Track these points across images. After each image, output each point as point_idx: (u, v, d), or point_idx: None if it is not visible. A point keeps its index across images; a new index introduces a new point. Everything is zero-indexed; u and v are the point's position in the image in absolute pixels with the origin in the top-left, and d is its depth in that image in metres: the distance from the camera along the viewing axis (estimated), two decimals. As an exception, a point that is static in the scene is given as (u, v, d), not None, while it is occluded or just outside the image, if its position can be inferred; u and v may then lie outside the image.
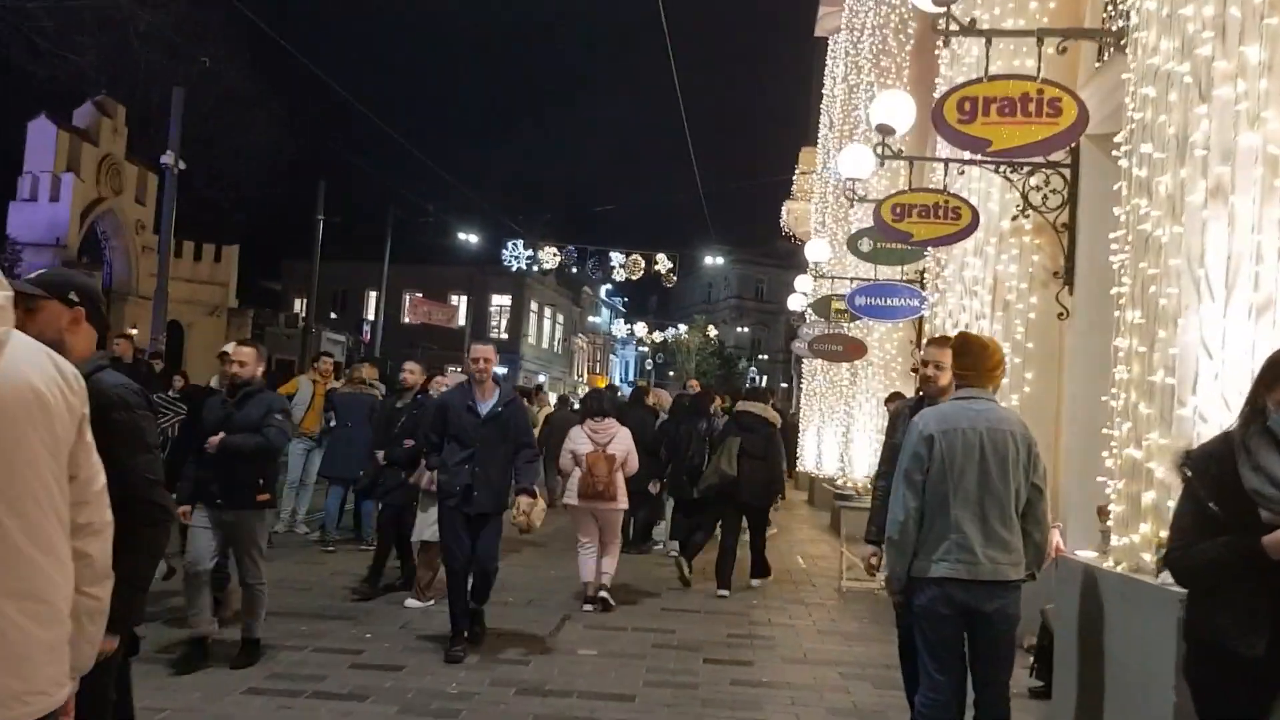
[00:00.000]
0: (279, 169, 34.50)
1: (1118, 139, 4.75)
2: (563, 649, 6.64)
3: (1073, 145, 6.63)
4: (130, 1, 25.71)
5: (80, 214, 25.33)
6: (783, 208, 28.14)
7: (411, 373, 8.72)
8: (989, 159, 6.54)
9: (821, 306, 13.45)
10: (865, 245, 9.01)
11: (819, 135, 23.56)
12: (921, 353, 4.95)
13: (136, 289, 26.85)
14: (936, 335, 5.81)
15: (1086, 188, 7.01)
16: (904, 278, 10.44)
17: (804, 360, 23.76)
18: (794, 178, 27.40)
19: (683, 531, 9.82)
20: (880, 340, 13.36)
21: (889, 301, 9.85)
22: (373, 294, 37.32)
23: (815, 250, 14.25)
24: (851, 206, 10.58)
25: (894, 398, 9.49)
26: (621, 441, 8.12)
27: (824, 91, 22.71)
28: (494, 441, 6.31)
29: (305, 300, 40.91)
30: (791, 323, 32.07)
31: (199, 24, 28.96)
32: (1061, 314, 7.14)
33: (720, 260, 42.21)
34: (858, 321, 13.34)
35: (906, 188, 7.75)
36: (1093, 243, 6.61)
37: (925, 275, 9.71)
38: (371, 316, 37.18)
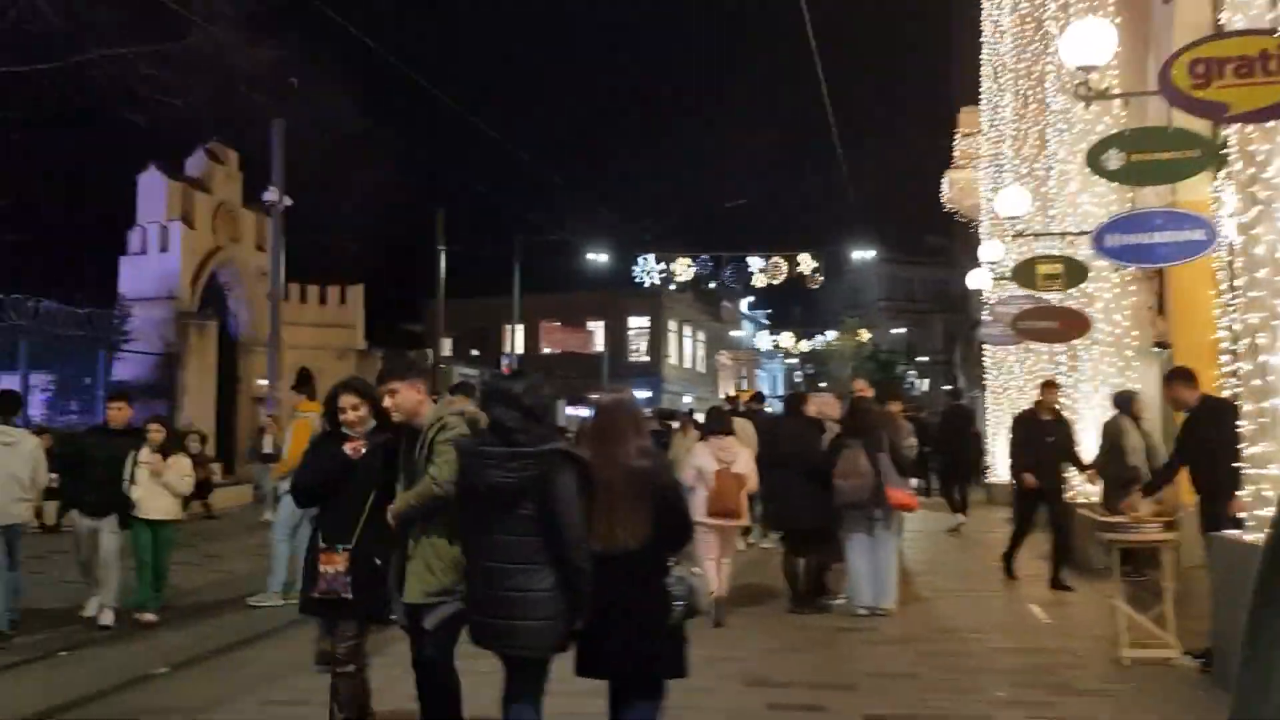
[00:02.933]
0: (400, 206, 33.42)
1: None
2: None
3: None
4: (235, 41, 24.76)
5: (197, 265, 24.39)
6: (943, 180, 25.09)
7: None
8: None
9: (1024, 274, 10.65)
10: (1114, 160, 6.34)
11: (980, 92, 20.69)
12: None
13: (263, 338, 25.84)
14: None
15: None
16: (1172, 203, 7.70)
17: (986, 351, 20.74)
18: (955, 144, 24.33)
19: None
20: (1106, 310, 10.49)
21: (1158, 237, 7.10)
22: (511, 328, 36.10)
23: (1010, 201, 11.37)
24: (1086, 107, 7.83)
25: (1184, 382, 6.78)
26: (745, 461, 8.27)
27: (983, 41, 19.86)
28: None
29: (449, 339, 40.09)
30: (972, 313, 28.87)
31: (305, 60, 27.95)
32: None
33: (869, 255, 39.17)
34: (1072, 290, 10.53)
35: (1209, 34, 5.16)
36: None
37: (1219, 188, 6.97)
38: (511, 350, 36.01)
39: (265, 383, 22.67)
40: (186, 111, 24.84)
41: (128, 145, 24.28)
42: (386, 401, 4.91)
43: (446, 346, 36.49)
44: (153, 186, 23.93)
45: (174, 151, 25.56)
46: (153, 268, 23.10)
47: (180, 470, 8.84)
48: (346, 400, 4.97)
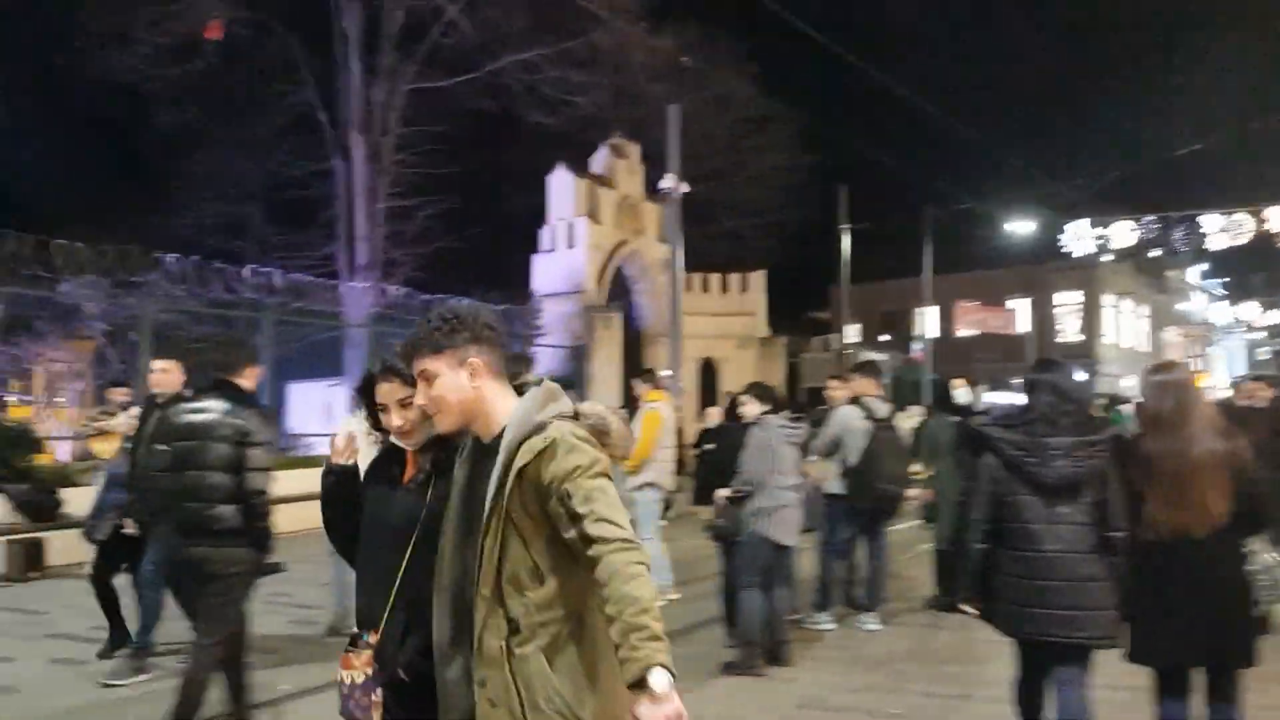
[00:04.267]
0: (802, 187, 32.34)
1: None
2: None
3: None
4: (634, 33, 24.93)
5: (603, 259, 24.88)
6: None
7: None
8: None
9: None
10: None
11: None
12: None
13: (666, 329, 25.91)
14: None
15: None
16: None
17: None
18: None
19: None
20: None
21: None
22: (924, 311, 33.95)
23: None
24: None
25: None
26: None
27: None
28: None
29: (855, 325, 38.63)
30: None
31: (702, 43, 27.68)
32: None
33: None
34: None
35: None
36: None
37: None
38: (924, 334, 33.88)
39: (668, 373, 22.52)
40: (591, 109, 25.48)
41: (543, 146, 25.25)
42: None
43: (853, 333, 35.04)
44: (561, 185, 24.71)
45: (582, 150, 26.34)
46: (561, 263, 23.80)
47: None
48: (388, 393, 2.73)
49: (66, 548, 10.25)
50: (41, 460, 11.90)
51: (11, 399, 19.43)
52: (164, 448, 4.92)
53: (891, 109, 57.40)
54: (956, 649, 7.32)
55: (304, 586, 9.10)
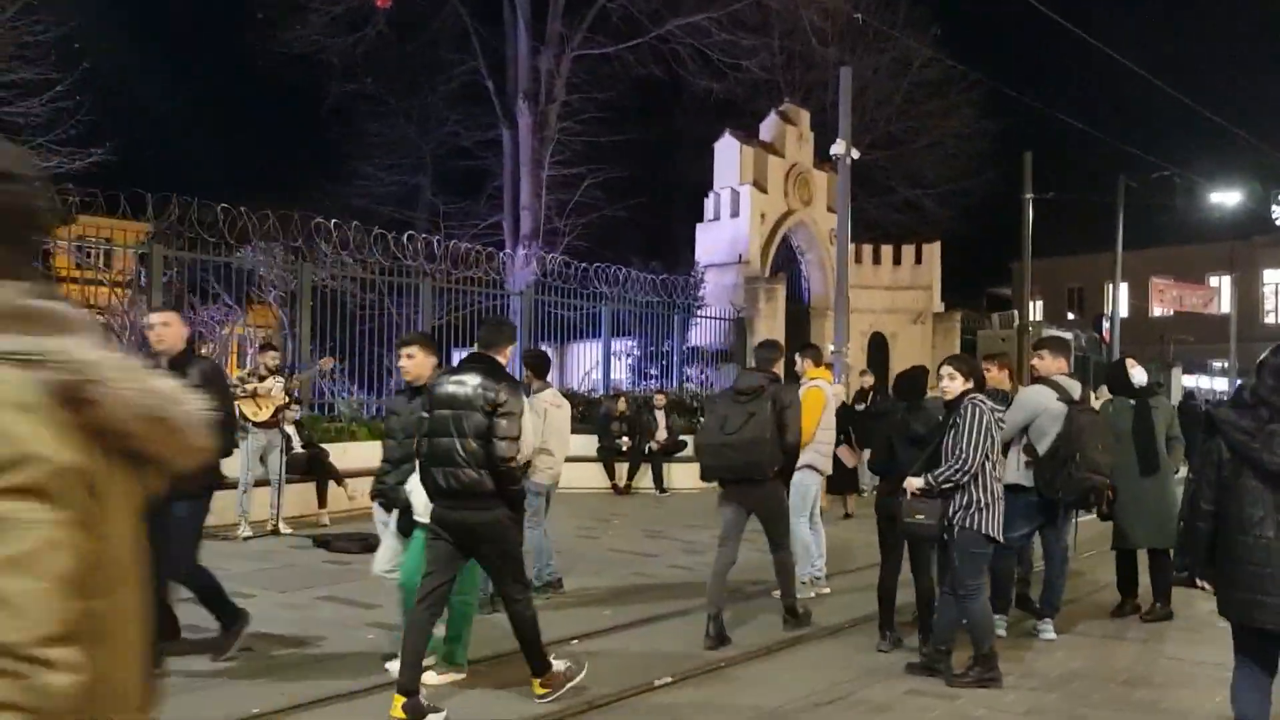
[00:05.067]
0: (983, 154, 30.65)
1: None
2: None
3: None
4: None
5: (770, 229, 24.10)
6: None
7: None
8: None
9: None
10: None
11: None
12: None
13: (835, 302, 24.95)
14: None
15: None
16: None
17: None
18: None
19: None
20: None
21: None
22: (1112, 287, 31.67)
23: None
24: None
25: None
26: None
27: None
28: None
29: (1038, 302, 36.61)
30: None
31: (881, 6, 26.45)
32: None
33: None
34: None
35: None
36: None
37: None
38: (1114, 311, 31.63)
39: (834, 348, 21.68)
40: (760, 75, 24.70)
41: (709, 113, 24.69)
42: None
43: (1036, 309, 33.12)
44: (727, 153, 24.02)
45: (750, 117, 25.60)
46: (724, 233, 23.17)
47: None
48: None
49: (216, 509, 10.40)
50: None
51: None
52: (425, 415, 5.32)
53: (1083, 68, 53.67)
54: (1143, 670, 6.45)
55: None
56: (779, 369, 7.96)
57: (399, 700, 5.04)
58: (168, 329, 5.73)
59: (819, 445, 8.21)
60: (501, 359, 5.45)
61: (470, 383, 5.21)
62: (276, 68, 21.79)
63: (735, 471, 6.77)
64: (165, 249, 13.24)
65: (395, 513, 5.83)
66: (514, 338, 5.69)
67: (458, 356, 22.33)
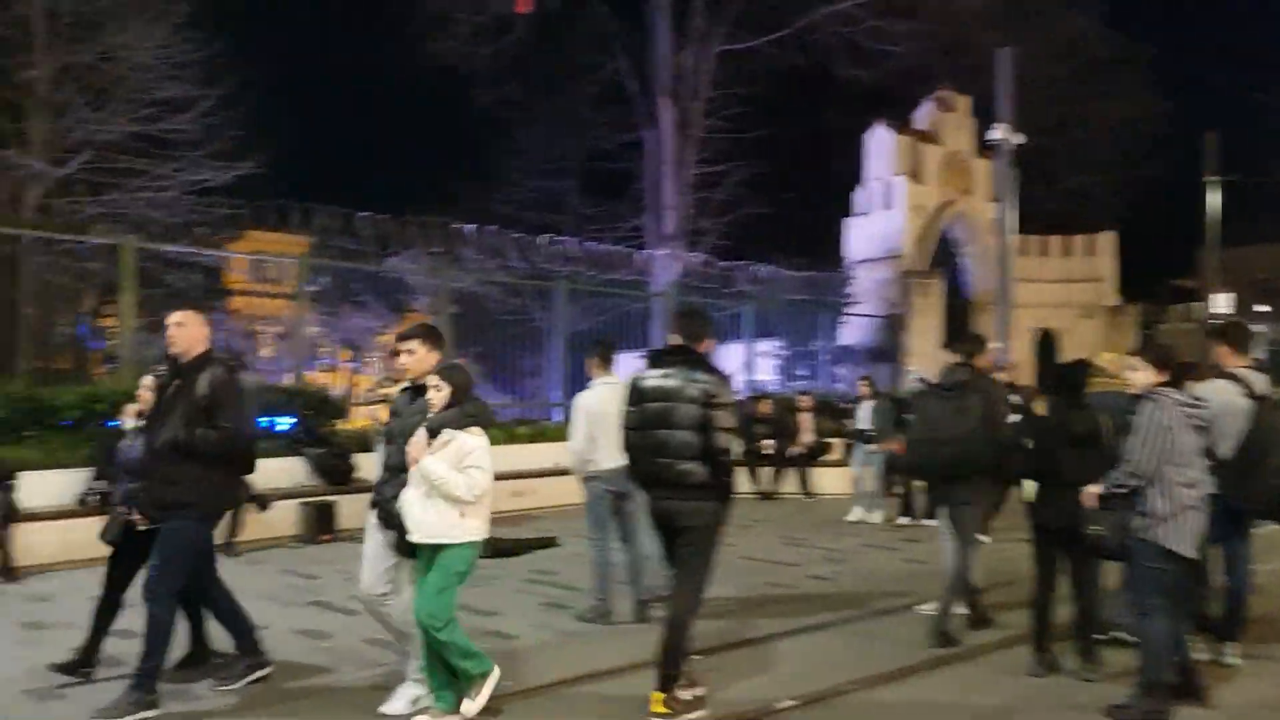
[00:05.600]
0: (1161, 135, 28.56)
1: None
2: None
3: None
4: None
5: (926, 221, 23.01)
6: None
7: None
8: None
9: None
10: None
11: None
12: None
13: (998, 297, 23.59)
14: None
15: None
16: None
17: None
18: None
19: None
20: None
21: None
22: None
23: None
24: None
25: None
26: None
27: None
28: None
29: (1227, 294, 33.88)
30: None
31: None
32: None
33: None
34: None
35: None
36: None
37: None
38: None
39: (998, 345, 20.44)
40: (913, 61, 23.62)
41: (859, 104, 23.77)
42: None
43: (1223, 301, 30.58)
44: (879, 143, 23.10)
45: (904, 106, 24.53)
46: (877, 227, 22.24)
47: None
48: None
49: (355, 512, 10.37)
50: (351, 426, 12.19)
51: (324, 365, 20.47)
52: (633, 409, 5.28)
53: (1270, 39, 49.82)
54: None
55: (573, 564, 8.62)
56: (984, 362, 7.45)
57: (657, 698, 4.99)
58: (182, 329, 5.26)
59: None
60: (703, 349, 5.38)
61: (680, 375, 5.18)
62: (423, 79, 22.19)
63: (945, 469, 6.55)
64: (312, 259, 13.45)
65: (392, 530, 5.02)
66: (713, 330, 5.60)
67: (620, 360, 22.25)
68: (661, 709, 5.01)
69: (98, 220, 12.35)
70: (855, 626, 7.06)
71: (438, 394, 4.84)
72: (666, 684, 5.06)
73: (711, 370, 5.24)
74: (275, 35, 28.51)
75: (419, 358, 5.08)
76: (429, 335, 5.18)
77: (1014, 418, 7.30)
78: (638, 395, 5.31)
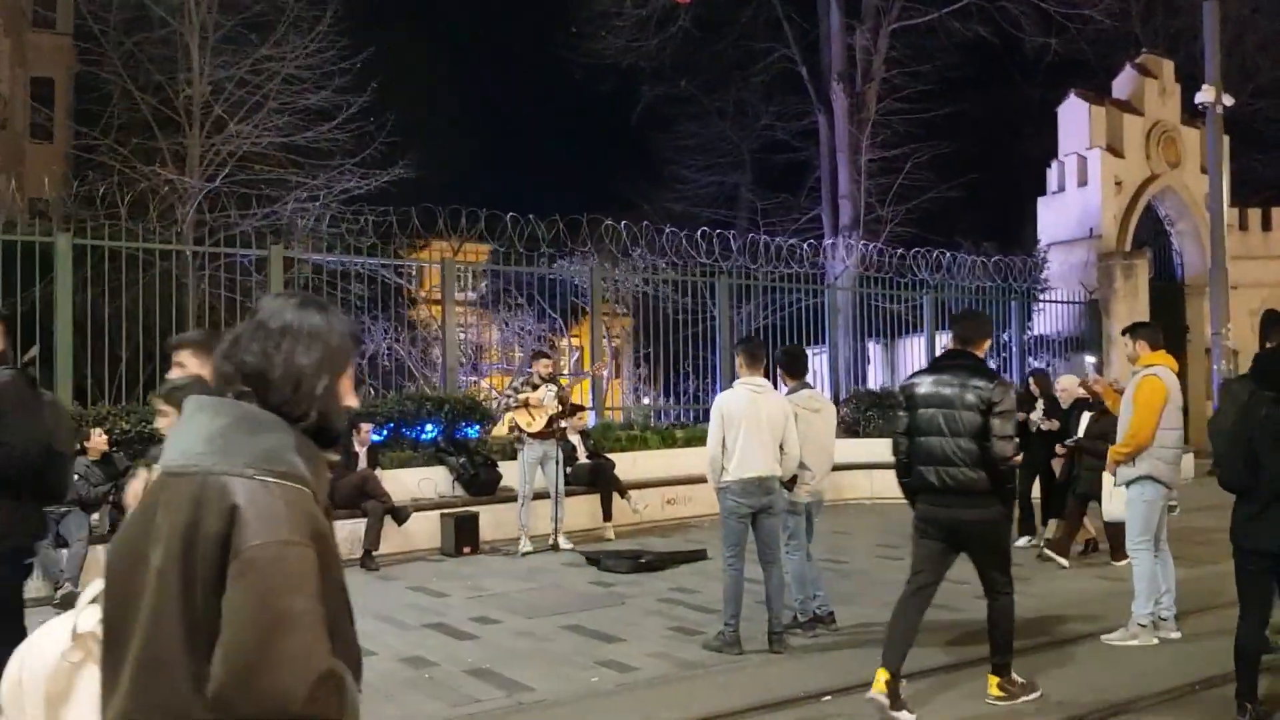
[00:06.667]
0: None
1: None
2: None
3: None
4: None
5: (1129, 198, 21.15)
6: None
7: None
8: None
9: None
10: None
11: None
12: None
13: (1212, 277, 21.50)
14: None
15: None
16: None
17: None
18: None
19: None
20: None
21: None
22: None
23: None
24: None
25: None
26: None
27: None
28: None
29: None
30: None
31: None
32: None
33: None
34: None
35: None
36: None
37: None
38: None
39: (1213, 330, 18.55)
40: (1109, 26, 21.87)
41: (1050, 75, 22.21)
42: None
43: None
44: (1072, 115, 21.36)
45: (1100, 76, 22.72)
46: (1071, 205, 20.57)
47: None
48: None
49: (500, 522, 10.15)
50: (496, 433, 11.89)
51: (499, 369, 20.41)
52: (902, 414, 5.33)
53: None
54: None
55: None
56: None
57: (881, 674, 4.98)
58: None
59: (1161, 450, 6.50)
60: (979, 353, 5.39)
61: (958, 381, 5.13)
62: (588, 77, 22.09)
63: None
64: (458, 262, 13.40)
65: None
66: (990, 331, 5.67)
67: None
68: (997, 691, 5.25)
69: (258, 233, 12.66)
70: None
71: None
72: (1000, 670, 5.31)
73: (991, 376, 5.21)
74: (433, 37, 29.14)
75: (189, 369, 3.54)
76: (202, 344, 3.55)
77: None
78: (913, 401, 5.29)
